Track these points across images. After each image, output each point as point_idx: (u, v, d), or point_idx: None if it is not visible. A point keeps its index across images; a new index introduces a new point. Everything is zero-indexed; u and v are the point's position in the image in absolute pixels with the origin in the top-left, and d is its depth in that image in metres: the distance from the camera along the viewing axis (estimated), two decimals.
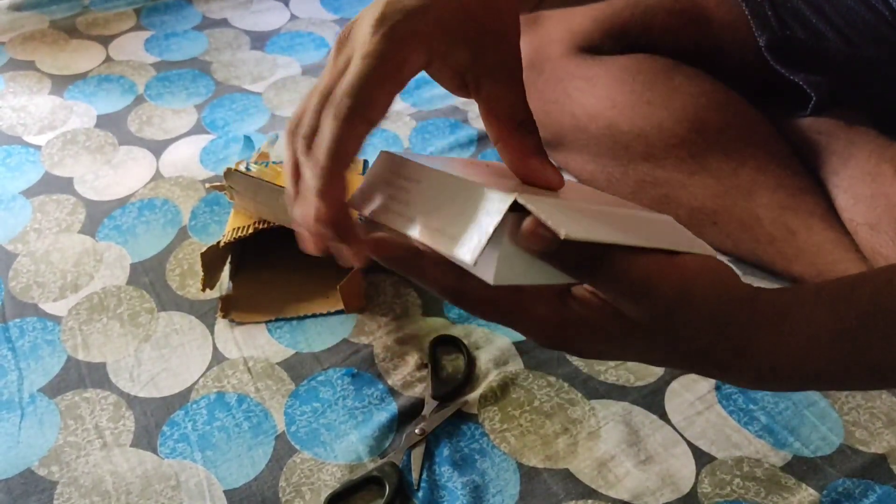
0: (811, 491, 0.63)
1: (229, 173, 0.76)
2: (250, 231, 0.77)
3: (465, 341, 0.74)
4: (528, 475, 0.65)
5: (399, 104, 1.06)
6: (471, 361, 0.73)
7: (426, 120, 1.03)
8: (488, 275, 0.38)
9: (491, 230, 0.36)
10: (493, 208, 0.37)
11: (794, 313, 0.44)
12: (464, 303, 0.42)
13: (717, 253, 0.83)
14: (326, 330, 0.77)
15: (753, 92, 0.88)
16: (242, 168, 0.85)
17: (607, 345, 0.43)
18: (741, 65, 0.89)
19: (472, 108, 1.05)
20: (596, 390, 0.71)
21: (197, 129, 1.02)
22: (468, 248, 0.37)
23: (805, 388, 0.47)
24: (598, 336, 0.43)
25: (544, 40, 0.94)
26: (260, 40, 1.20)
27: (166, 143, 1.00)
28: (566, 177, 0.96)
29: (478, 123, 1.02)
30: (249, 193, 0.76)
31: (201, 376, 0.73)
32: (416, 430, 0.67)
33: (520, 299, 0.42)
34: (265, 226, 0.77)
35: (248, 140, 0.97)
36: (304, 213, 0.41)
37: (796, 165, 0.84)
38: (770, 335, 0.43)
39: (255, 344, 0.75)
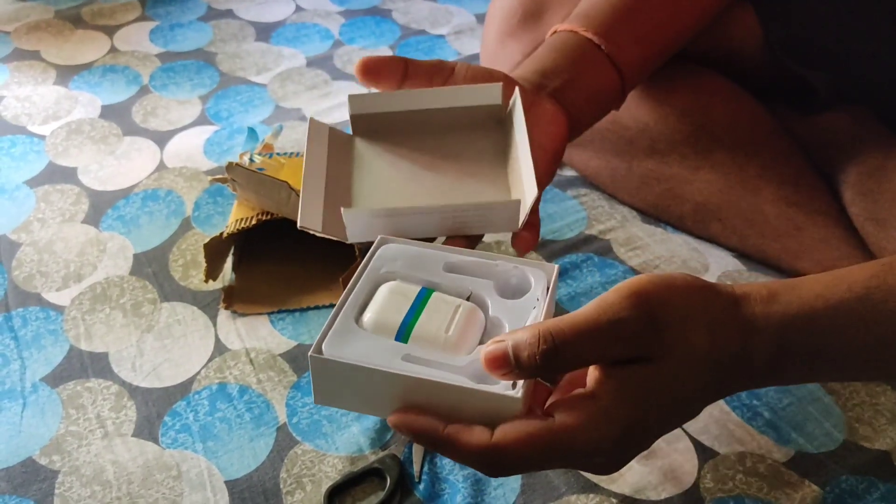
0: (814, 487, 0.63)
1: (231, 167, 0.76)
2: (253, 223, 0.76)
3: None
4: None
5: None
6: None
7: None
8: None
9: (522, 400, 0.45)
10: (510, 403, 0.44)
11: (784, 290, 0.44)
12: (501, 463, 0.44)
13: (722, 249, 0.83)
14: None
15: (760, 88, 0.88)
16: (246, 159, 0.85)
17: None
18: (748, 60, 0.88)
19: None
20: None
21: (201, 120, 1.02)
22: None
23: (801, 371, 0.47)
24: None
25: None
26: (265, 31, 1.20)
27: (170, 134, 1.00)
28: (570, 172, 0.96)
29: None
30: (251, 186, 0.76)
31: (203, 367, 0.73)
32: None
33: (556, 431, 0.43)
34: (268, 217, 0.77)
35: (252, 131, 0.97)
36: None
37: (802, 161, 0.83)
38: (763, 308, 0.44)
39: (258, 335, 0.75)
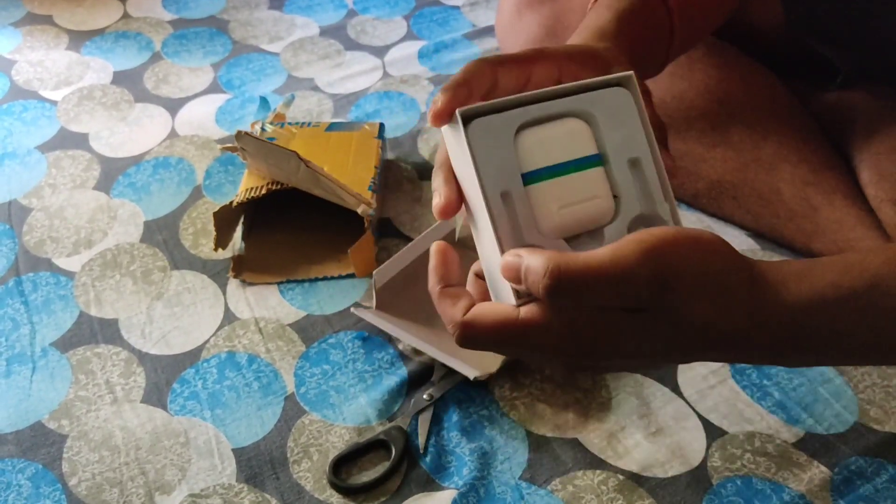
0: (823, 468, 0.63)
1: (241, 135, 0.76)
2: (263, 192, 0.76)
3: None
4: (537, 443, 0.64)
5: (417, 67, 1.05)
6: None
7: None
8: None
9: None
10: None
11: (796, 276, 0.44)
12: (467, 337, 0.45)
13: (736, 228, 0.82)
14: (338, 293, 0.76)
15: (779, 64, 0.86)
16: (258, 129, 0.85)
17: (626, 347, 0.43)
18: (768, 37, 0.87)
19: None
20: None
21: (213, 88, 1.02)
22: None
23: (806, 356, 0.46)
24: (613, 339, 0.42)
25: (564, 9, 0.92)
26: None
27: (182, 102, 0.99)
28: None
29: None
30: (261, 155, 0.76)
31: (212, 335, 0.73)
32: (425, 396, 0.67)
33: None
34: (278, 187, 0.76)
35: (264, 100, 0.96)
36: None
37: (820, 140, 0.82)
38: (775, 294, 0.43)
39: (267, 305, 0.75)
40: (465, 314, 0.45)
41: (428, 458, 0.63)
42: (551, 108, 0.45)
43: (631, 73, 0.46)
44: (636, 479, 0.62)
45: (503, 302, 0.44)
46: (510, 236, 0.43)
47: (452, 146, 0.45)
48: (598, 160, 0.45)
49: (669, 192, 0.46)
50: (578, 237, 0.45)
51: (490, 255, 0.44)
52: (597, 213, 0.45)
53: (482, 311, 0.44)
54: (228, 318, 0.74)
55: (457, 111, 0.43)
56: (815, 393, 0.68)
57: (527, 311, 0.43)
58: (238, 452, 0.64)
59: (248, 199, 0.76)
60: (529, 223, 0.44)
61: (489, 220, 0.43)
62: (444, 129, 0.45)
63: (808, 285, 0.44)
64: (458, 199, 0.46)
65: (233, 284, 0.77)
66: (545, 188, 0.44)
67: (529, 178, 0.44)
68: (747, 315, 0.43)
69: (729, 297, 0.42)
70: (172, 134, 0.95)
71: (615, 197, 0.46)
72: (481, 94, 0.47)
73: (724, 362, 0.50)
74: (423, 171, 0.89)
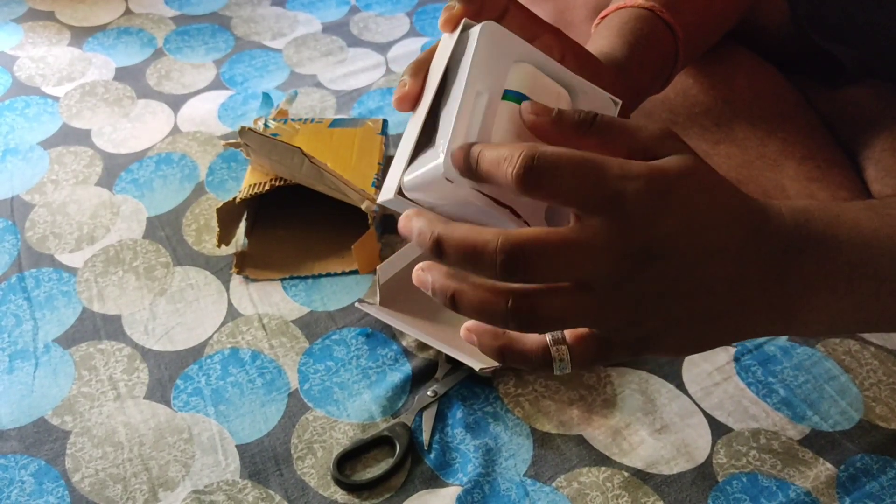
0: (828, 465, 0.62)
1: (244, 131, 0.75)
2: (267, 188, 0.76)
3: None
4: (542, 440, 0.64)
5: None
6: None
7: None
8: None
9: None
10: None
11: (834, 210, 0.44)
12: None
13: None
14: (342, 289, 0.76)
15: (786, 62, 0.86)
16: (261, 125, 0.84)
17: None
18: (773, 34, 0.87)
19: None
20: None
21: (216, 85, 1.01)
22: None
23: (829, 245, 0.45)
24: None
25: (568, 4, 0.92)
26: None
27: (185, 98, 0.99)
28: None
29: None
30: (264, 151, 0.76)
31: (216, 331, 0.72)
32: (429, 392, 0.66)
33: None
34: (281, 183, 0.76)
35: (266, 97, 0.96)
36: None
37: (825, 137, 0.82)
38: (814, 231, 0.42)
39: (270, 301, 0.75)
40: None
41: (432, 455, 0.63)
42: (554, 67, 0.47)
43: (620, 102, 0.50)
44: (641, 476, 0.62)
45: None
46: (465, 129, 0.44)
47: (445, 48, 0.46)
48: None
49: None
50: None
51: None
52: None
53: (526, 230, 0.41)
54: (232, 314, 0.74)
55: (486, 22, 0.45)
56: (820, 390, 0.67)
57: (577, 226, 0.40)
58: (242, 449, 0.64)
59: (251, 195, 0.76)
60: (486, 128, 0.45)
61: (456, 108, 0.44)
62: (445, 35, 0.46)
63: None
64: (419, 97, 0.46)
65: (236, 281, 0.77)
66: (513, 108, 0.45)
67: (507, 94, 0.45)
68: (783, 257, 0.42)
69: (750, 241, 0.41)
70: (175, 130, 0.94)
71: None
72: (491, 16, 0.48)
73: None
74: None
